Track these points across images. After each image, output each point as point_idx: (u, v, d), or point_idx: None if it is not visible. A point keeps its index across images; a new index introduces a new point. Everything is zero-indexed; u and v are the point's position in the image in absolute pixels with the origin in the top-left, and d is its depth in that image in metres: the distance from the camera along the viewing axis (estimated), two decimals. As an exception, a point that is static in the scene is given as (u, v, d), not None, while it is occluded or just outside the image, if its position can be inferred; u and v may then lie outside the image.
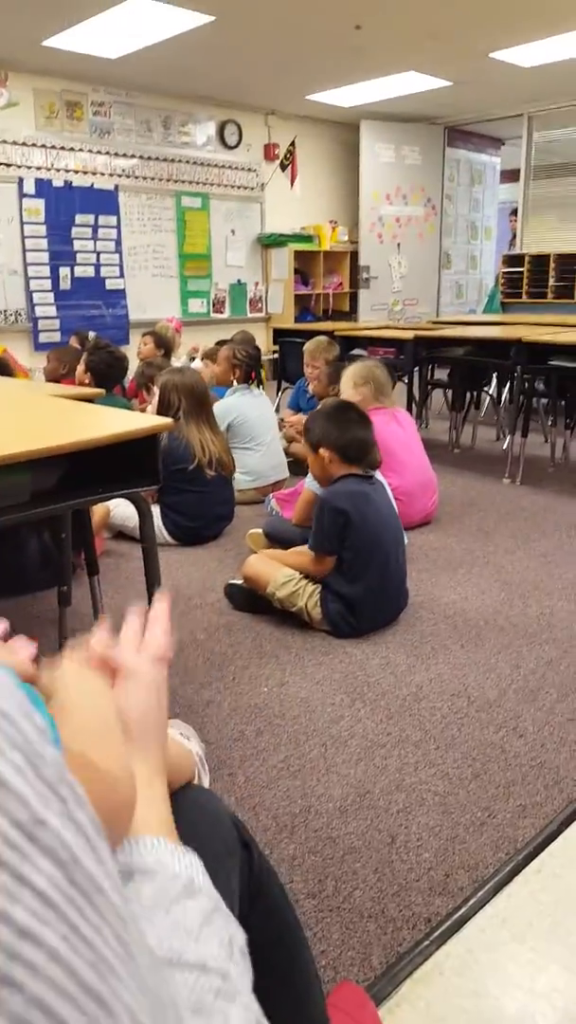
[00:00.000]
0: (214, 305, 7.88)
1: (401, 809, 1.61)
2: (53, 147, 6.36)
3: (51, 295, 6.52)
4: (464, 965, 1.27)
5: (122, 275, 6.97)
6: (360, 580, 2.36)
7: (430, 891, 1.39)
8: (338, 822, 1.57)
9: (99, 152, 6.65)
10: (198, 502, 3.26)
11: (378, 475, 2.60)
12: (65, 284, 6.58)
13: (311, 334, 5.21)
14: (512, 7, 4.99)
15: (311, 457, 2.51)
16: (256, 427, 3.94)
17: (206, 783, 0.96)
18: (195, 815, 0.69)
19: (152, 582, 1.69)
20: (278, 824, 1.56)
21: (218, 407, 3.96)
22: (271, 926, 0.77)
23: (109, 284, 6.89)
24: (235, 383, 4.02)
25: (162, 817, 0.59)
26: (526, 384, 4.27)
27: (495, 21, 5.25)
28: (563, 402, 4.69)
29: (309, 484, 2.79)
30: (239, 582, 2.64)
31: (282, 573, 2.46)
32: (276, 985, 0.79)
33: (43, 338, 6.46)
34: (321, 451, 2.45)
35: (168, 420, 1.56)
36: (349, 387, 3.46)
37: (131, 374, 4.76)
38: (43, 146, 6.32)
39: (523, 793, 1.66)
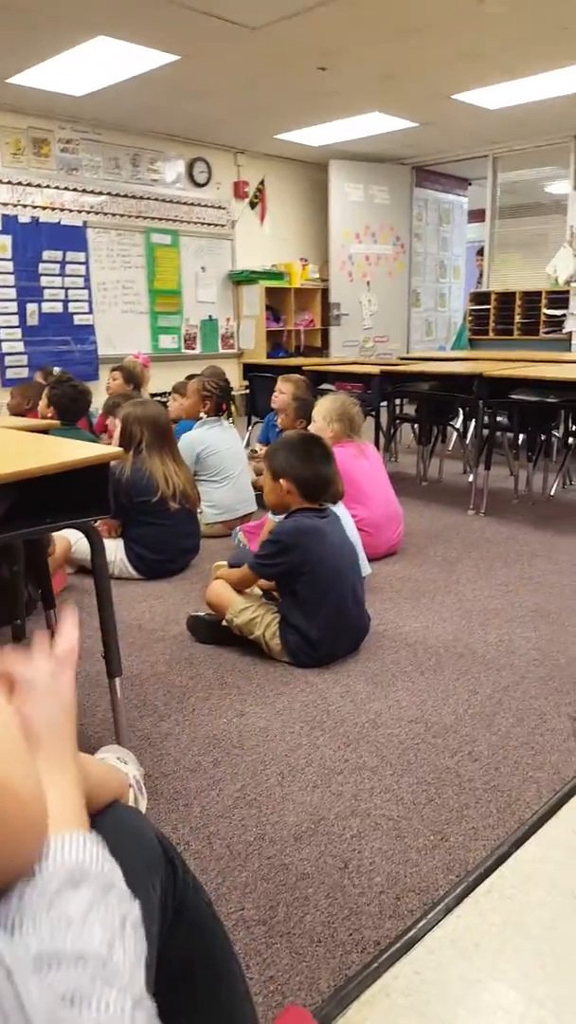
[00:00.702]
0: (185, 341, 7.96)
1: (355, 834, 1.62)
2: (20, 183, 6.45)
3: (18, 331, 6.56)
4: (411, 986, 1.27)
5: (91, 311, 7.04)
6: (316, 614, 2.38)
7: (380, 914, 1.40)
8: (292, 849, 1.57)
9: (67, 188, 6.75)
10: (162, 535, 3.27)
11: (338, 507, 2.65)
12: (33, 320, 6.62)
13: (281, 369, 5.31)
14: (470, 52, 5.19)
15: (269, 484, 2.53)
16: (225, 460, 3.97)
17: (143, 806, 0.98)
18: (115, 831, 0.71)
19: (105, 613, 1.70)
20: (232, 852, 1.57)
21: (185, 439, 3.99)
22: (197, 941, 0.78)
23: (78, 320, 6.95)
24: (204, 415, 4.06)
25: (66, 807, 0.62)
26: (487, 418, 4.36)
27: (455, 64, 5.44)
28: (525, 435, 4.80)
29: (273, 516, 2.82)
30: (202, 614, 2.65)
31: (240, 599, 2.48)
32: (205, 1002, 0.80)
33: (10, 374, 6.48)
34: (282, 481, 2.48)
35: (118, 450, 1.59)
36: (322, 422, 3.50)
37: (100, 409, 4.79)
38: (9, 182, 6.40)
39: (476, 816, 1.68)
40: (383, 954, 1.34)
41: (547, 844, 1.65)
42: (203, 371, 5.30)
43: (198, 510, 3.97)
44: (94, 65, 5.31)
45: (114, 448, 1.56)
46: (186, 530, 3.39)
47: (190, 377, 4.88)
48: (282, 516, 2.58)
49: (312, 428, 3.47)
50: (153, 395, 5.07)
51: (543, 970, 1.32)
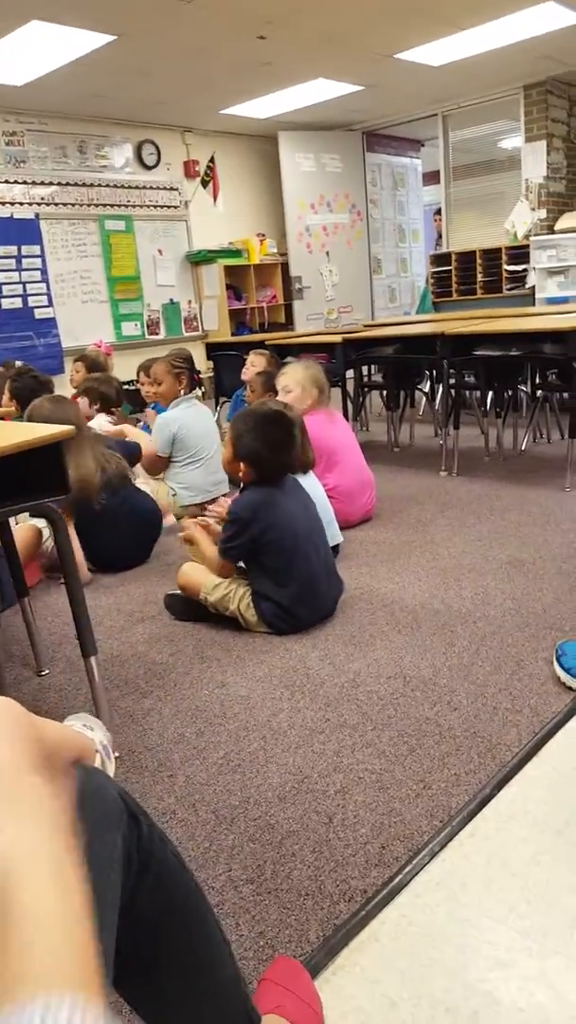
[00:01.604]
0: (148, 327, 7.89)
1: (338, 790, 1.64)
2: (-32, 180, 6.35)
3: (-20, 328, 6.48)
4: (399, 929, 1.30)
5: (51, 303, 6.96)
6: (285, 580, 2.39)
7: (366, 864, 1.42)
8: (276, 809, 1.59)
9: (16, 182, 6.65)
10: (115, 535, 3.19)
11: (308, 477, 2.64)
12: (-6, 316, 6.55)
13: (244, 347, 5.28)
14: (406, 8, 5.13)
15: (229, 456, 2.49)
16: (200, 440, 3.95)
17: (110, 771, 0.99)
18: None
19: (74, 595, 1.70)
20: (217, 817, 1.58)
21: (160, 420, 3.97)
22: (165, 893, 0.79)
23: (38, 313, 6.87)
24: (182, 392, 4.03)
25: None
26: (453, 378, 4.36)
27: (393, 22, 5.39)
28: (492, 392, 4.81)
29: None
30: (177, 592, 2.65)
31: (211, 577, 2.48)
32: (178, 951, 0.81)
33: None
34: (243, 465, 2.46)
35: (70, 428, 1.58)
36: (300, 390, 3.46)
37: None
38: (-43, 180, 6.31)
39: (457, 763, 1.70)
40: (370, 902, 1.37)
41: (528, 784, 1.68)
42: (165, 356, 5.28)
43: (170, 492, 3.98)
44: (31, 52, 5.22)
45: (66, 427, 1.55)
46: (140, 520, 3.30)
47: (151, 361, 4.85)
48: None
49: (290, 397, 3.43)
50: (122, 383, 5.03)
51: (528, 904, 1.36)
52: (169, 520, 3.72)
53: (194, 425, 3.95)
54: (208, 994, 0.84)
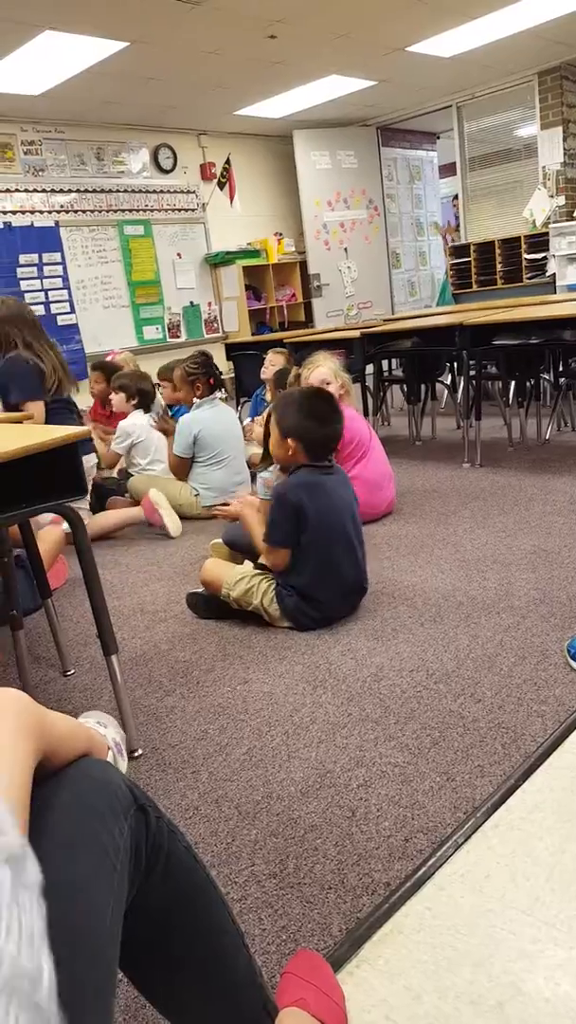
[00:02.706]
0: (169, 330, 7.93)
1: (361, 784, 1.63)
2: (-12, 190, 6.43)
3: (3, 337, 6.56)
4: (422, 922, 1.29)
5: (73, 310, 7.02)
6: (313, 571, 2.38)
7: (389, 857, 1.42)
8: (299, 803, 1.59)
9: (35, 190, 6.71)
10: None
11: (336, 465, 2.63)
12: (17, 324, 6.62)
13: (262, 346, 5.29)
14: (417, 0, 5.10)
15: (276, 439, 2.50)
16: (221, 441, 3.96)
17: (122, 768, 0.99)
18: (80, 779, 0.73)
19: (94, 594, 1.71)
20: (240, 812, 1.58)
21: (182, 421, 3.99)
22: (176, 884, 0.80)
23: (61, 320, 6.93)
24: (198, 399, 4.04)
25: None
26: (473, 368, 4.33)
27: (402, 15, 5.36)
28: (514, 382, 4.76)
29: (264, 474, 2.82)
30: (200, 591, 2.66)
31: (234, 572, 2.49)
32: (189, 942, 0.82)
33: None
34: (289, 440, 2.46)
35: (85, 429, 1.59)
36: (337, 382, 3.49)
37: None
38: (-22, 190, 6.39)
39: (481, 755, 1.69)
40: (393, 895, 1.36)
41: (554, 773, 1.66)
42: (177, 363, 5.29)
43: (193, 491, 3.99)
44: (46, 62, 5.27)
45: (81, 428, 1.57)
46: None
47: (173, 364, 4.88)
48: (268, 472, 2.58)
49: (330, 389, 3.44)
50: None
51: (554, 893, 1.34)
52: (168, 526, 3.72)
53: (216, 426, 3.96)
54: (221, 985, 0.84)
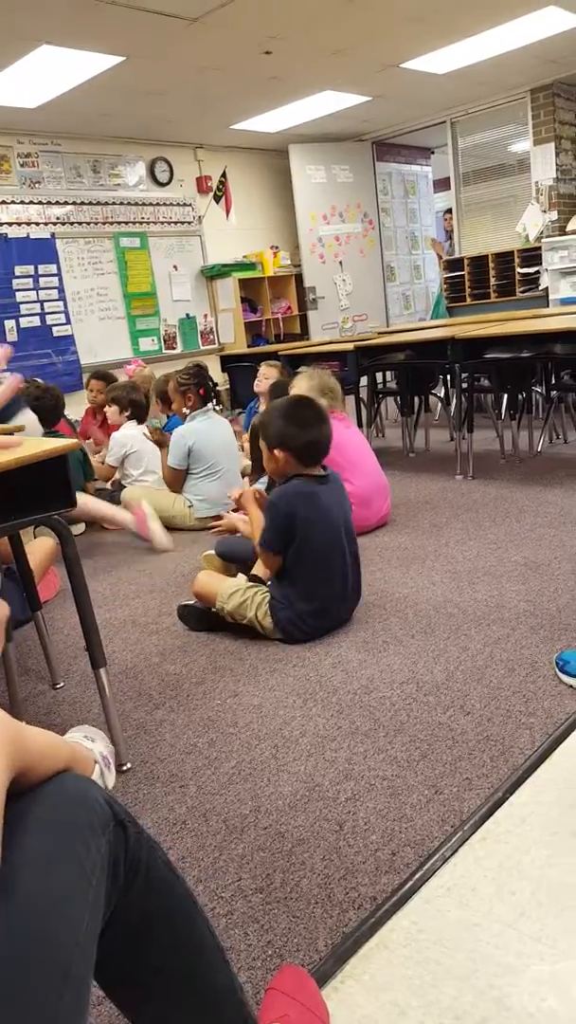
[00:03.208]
0: (165, 342, 7.95)
1: (349, 797, 1.63)
2: (-17, 202, 6.46)
3: (-1, 348, 6.57)
4: (409, 937, 1.29)
5: (68, 321, 7.03)
6: (307, 584, 2.39)
7: (376, 871, 1.41)
8: (287, 817, 1.58)
9: (31, 202, 6.74)
10: None
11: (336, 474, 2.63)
12: (12, 336, 6.62)
13: (258, 358, 5.31)
14: (409, 17, 5.15)
15: (266, 454, 2.51)
16: (216, 453, 3.96)
17: (110, 782, 0.99)
18: (57, 794, 0.73)
19: (82, 607, 1.71)
20: (228, 827, 1.58)
21: (176, 433, 3.98)
22: (155, 899, 0.80)
23: (56, 331, 6.95)
24: (188, 410, 4.05)
25: None
26: (465, 381, 4.35)
27: (396, 32, 5.40)
28: (506, 395, 4.78)
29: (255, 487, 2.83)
30: (192, 603, 2.66)
31: (226, 585, 2.49)
32: (168, 957, 0.81)
33: (-4, 391, 6.49)
34: (277, 452, 2.47)
35: (73, 441, 1.59)
36: (313, 395, 3.47)
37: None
38: (-26, 202, 6.41)
39: (469, 767, 1.69)
40: (379, 909, 1.35)
41: (541, 787, 1.66)
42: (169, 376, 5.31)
43: (187, 503, 3.99)
44: (42, 75, 5.30)
45: (70, 440, 1.57)
46: None
47: (164, 381, 4.89)
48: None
49: None
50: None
51: (540, 907, 1.34)
52: (155, 541, 3.70)
53: (210, 438, 3.97)
54: (201, 1000, 0.83)
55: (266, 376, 4.63)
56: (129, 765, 1.83)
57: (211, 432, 3.99)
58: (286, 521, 2.36)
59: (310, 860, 1.45)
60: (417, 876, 1.41)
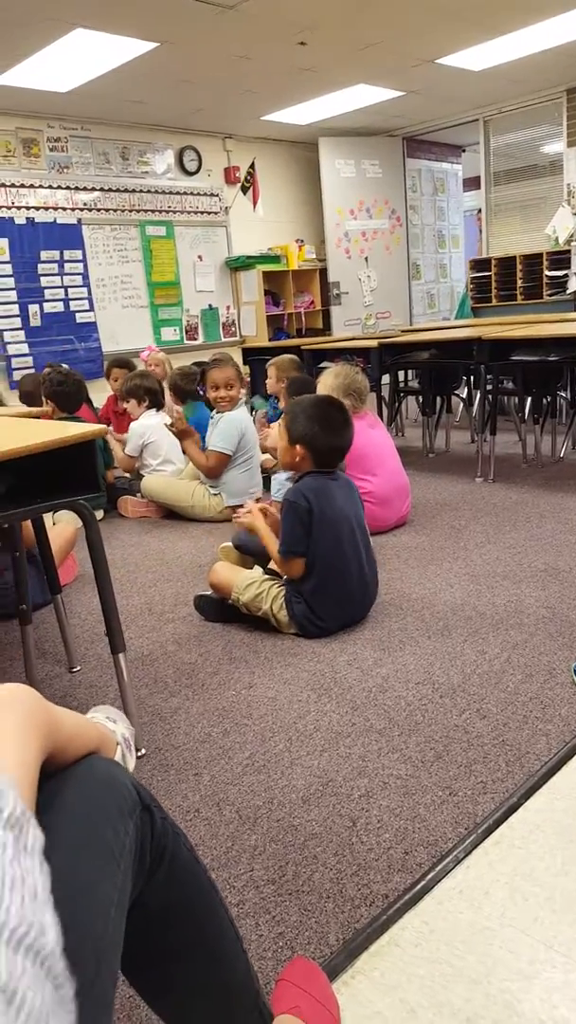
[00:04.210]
0: (187, 332, 7.95)
1: (363, 794, 1.62)
2: (12, 185, 6.46)
3: (22, 333, 6.58)
4: (420, 936, 1.29)
5: (92, 308, 7.04)
6: (321, 579, 2.38)
7: (389, 869, 1.41)
8: (300, 811, 1.58)
9: (59, 187, 6.75)
10: None
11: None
12: (35, 321, 6.64)
13: (280, 351, 5.28)
14: (450, 13, 5.11)
15: (284, 445, 2.51)
16: (251, 441, 3.96)
17: (131, 765, 0.99)
18: (86, 778, 0.73)
19: (104, 592, 1.72)
20: (241, 817, 1.58)
21: (231, 417, 3.89)
22: (178, 886, 0.80)
23: (79, 318, 6.96)
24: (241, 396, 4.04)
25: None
26: (489, 383, 4.32)
27: (435, 27, 5.36)
28: (531, 398, 4.75)
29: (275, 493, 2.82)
30: (208, 593, 2.66)
31: (242, 576, 2.49)
32: (189, 945, 0.81)
33: (17, 376, 6.51)
34: (297, 447, 2.46)
35: (101, 427, 1.60)
36: (335, 395, 3.44)
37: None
38: (3, 185, 6.41)
39: (484, 771, 1.68)
40: (392, 907, 1.35)
41: (557, 794, 1.65)
42: (211, 359, 5.27)
43: (215, 490, 3.95)
44: (75, 60, 5.29)
45: (98, 426, 1.57)
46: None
47: (198, 363, 4.87)
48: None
49: None
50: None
51: (554, 915, 1.33)
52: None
53: (250, 427, 3.97)
54: (219, 988, 0.84)
55: (269, 376, 4.49)
56: (144, 751, 1.84)
57: (250, 422, 4.00)
58: (307, 516, 2.36)
59: (323, 855, 1.45)
60: (430, 876, 1.41)
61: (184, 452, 4.10)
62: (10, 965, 0.37)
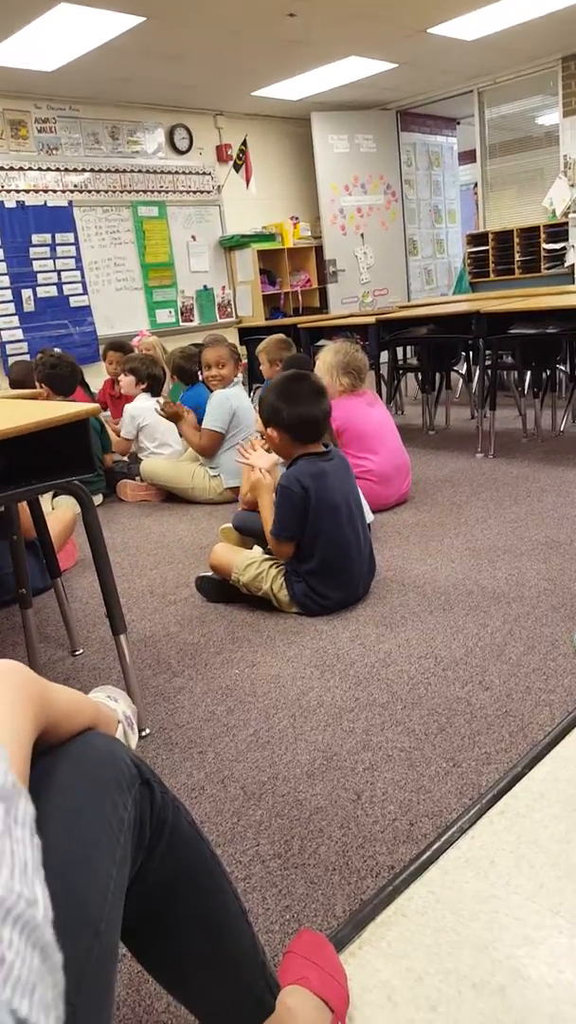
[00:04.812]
0: (182, 314, 7.89)
1: (367, 767, 1.63)
2: (1, 168, 6.39)
3: (15, 318, 6.54)
4: (426, 905, 1.29)
5: (85, 291, 6.99)
6: (320, 560, 2.37)
7: (394, 840, 1.42)
8: (305, 785, 1.59)
9: (49, 169, 6.68)
10: None
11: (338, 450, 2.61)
12: (29, 306, 6.60)
13: (276, 331, 5.24)
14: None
15: (267, 435, 2.49)
16: (248, 419, 3.93)
17: (132, 742, 0.99)
18: (83, 752, 0.73)
19: (102, 573, 1.71)
20: (246, 793, 1.59)
21: (221, 395, 3.87)
22: (179, 859, 0.80)
23: (73, 302, 6.91)
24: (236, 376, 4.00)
25: None
26: (488, 357, 4.30)
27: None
28: (530, 372, 4.73)
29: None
30: (209, 574, 2.66)
31: (242, 557, 2.48)
32: (193, 918, 0.82)
33: (12, 362, 6.47)
34: (270, 431, 2.44)
35: (94, 406, 1.58)
36: (329, 379, 3.41)
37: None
38: (-8, 169, 6.35)
39: (488, 742, 1.68)
40: (397, 878, 1.36)
41: (561, 763, 1.65)
42: (205, 339, 5.23)
43: (214, 471, 3.94)
44: (60, 36, 5.21)
45: (90, 405, 1.56)
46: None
47: (196, 345, 4.82)
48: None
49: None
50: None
51: (559, 881, 1.34)
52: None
53: (245, 406, 3.94)
54: (224, 961, 0.84)
55: (261, 362, 4.42)
56: (148, 731, 1.84)
57: (245, 400, 3.97)
58: (302, 503, 2.34)
59: (328, 828, 1.46)
60: (435, 847, 1.41)
61: (180, 435, 4.08)
62: None
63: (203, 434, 3.89)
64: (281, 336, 4.44)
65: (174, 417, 3.94)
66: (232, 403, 3.85)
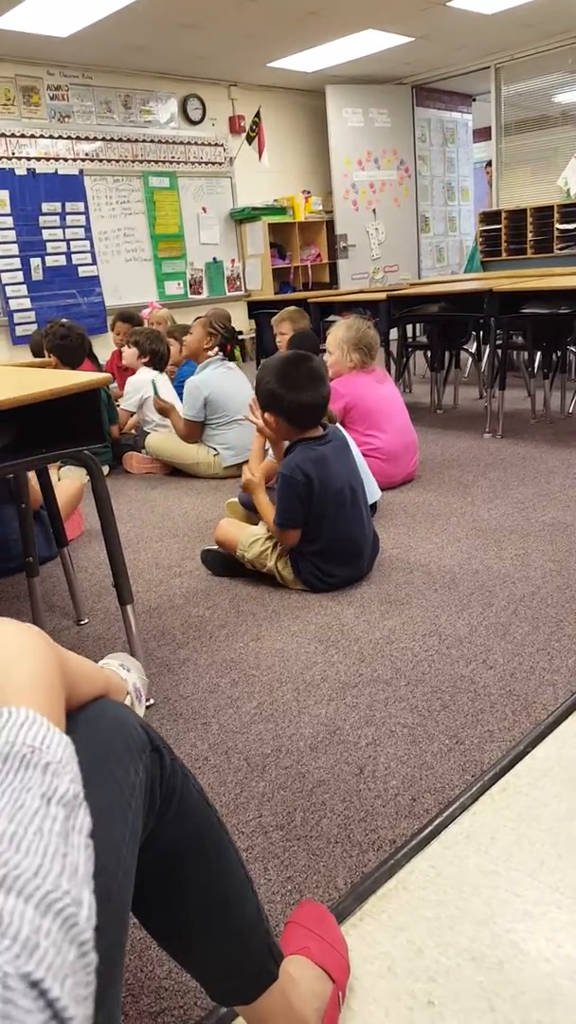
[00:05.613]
0: (191, 286, 7.85)
1: (370, 742, 1.63)
2: (13, 135, 6.32)
3: (24, 287, 6.50)
4: (427, 879, 1.30)
5: (95, 261, 6.95)
6: (326, 541, 2.36)
7: (396, 815, 1.42)
8: (308, 758, 1.60)
9: (60, 137, 6.61)
10: None
11: (337, 428, 2.57)
12: (37, 275, 6.56)
13: (286, 305, 5.20)
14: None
15: (263, 417, 2.45)
16: (232, 401, 3.91)
17: (140, 712, 0.99)
18: (96, 719, 0.73)
19: (111, 543, 1.71)
20: (249, 765, 1.59)
21: (191, 383, 3.93)
22: (188, 826, 0.80)
23: (82, 271, 6.87)
24: (210, 354, 3.98)
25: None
26: (499, 337, 4.26)
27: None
28: (540, 353, 4.69)
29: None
30: (215, 548, 2.66)
31: (247, 533, 2.47)
32: (200, 885, 0.82)
33: (20, 331, 6.45)
34: (267, 416, 2.40)
35: (106, 376, 1.57)
36: (339, 354, 3.39)
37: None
38: (2, 135, 6.28)
39: (491, 720, 1.69)
40: (399, 851, 1.36)
41: (563, 742, 1.66)
42: (207, 312, 5.22)
43: (213, 452, 3.95)
44: (75, 2, 5.14)
45: (102, 375, 1.55)
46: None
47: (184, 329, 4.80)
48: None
49: (330, 360, 3.40)
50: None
51: (560, 859, 1.34)
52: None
53: (225, 387, 3.90)
54: (230, 929, 0.85)
55: (282, 332, 4.38)
56: (152, 701, 1.85)
57: (224, 381, 3.92)
58: (306, 490, 2.31)
59: (330, 801, 1.47)
60: (437, 822, 1.42)
61: (172, 424, 4.08)
62: (35, 924, 0.38)
63: (178, 424, 3.99)
64: (296, 308, 4.44)
65: (163, 412, 4.01)
66: (202, 390, 3.85)
